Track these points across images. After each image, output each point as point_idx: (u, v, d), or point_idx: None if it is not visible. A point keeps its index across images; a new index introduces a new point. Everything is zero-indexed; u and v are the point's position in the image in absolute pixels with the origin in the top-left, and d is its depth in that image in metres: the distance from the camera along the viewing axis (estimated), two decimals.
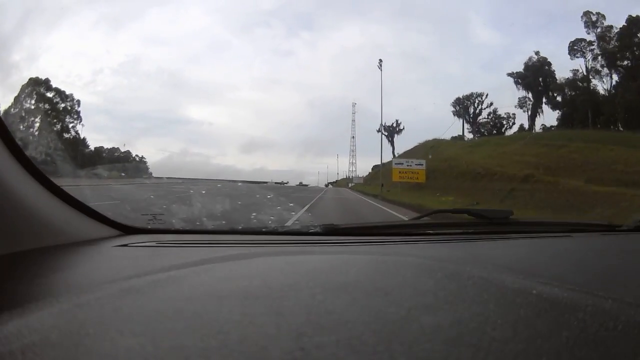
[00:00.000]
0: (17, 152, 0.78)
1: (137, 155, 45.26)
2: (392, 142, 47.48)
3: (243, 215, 2.14)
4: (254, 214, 2.10)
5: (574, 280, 0.71)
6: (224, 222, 1.57)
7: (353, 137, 68.53)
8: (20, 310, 0.39)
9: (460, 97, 40.24)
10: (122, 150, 43.82)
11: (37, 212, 0.80)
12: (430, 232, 1.21)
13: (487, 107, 39.24)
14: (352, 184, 50.08)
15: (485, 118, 39.40)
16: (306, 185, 58.53)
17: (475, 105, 39.79)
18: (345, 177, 69.93)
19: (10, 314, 0.38)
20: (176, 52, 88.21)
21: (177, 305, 0.39)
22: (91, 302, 0.41)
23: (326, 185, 67.50)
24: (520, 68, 35.85)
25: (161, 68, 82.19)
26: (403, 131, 47.25)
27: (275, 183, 43.93)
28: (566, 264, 0.92)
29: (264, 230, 1.23)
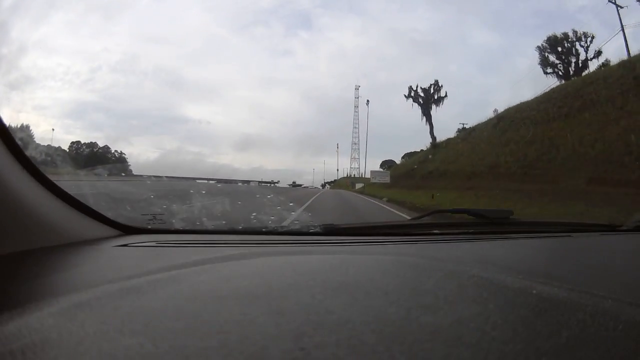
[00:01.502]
0: (17, 152, 0.78)
1: (116, 151, 42.09)
2: (428, 116, 29.29)
3: None
4: None
5: (574, 280, 0.71)
6: (224, 222, 1.57)
7: (355, 127, 57.30)
8: (20, 310, 0.39)
9: (557, 35, 23.01)
10: (101, 145, 40.52)
11: (37, 212, 0.80)
12: (430, 232, 1.22)
13: (593, 57, 22.49)
14: (362, 186, 32.80)
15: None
16: (300, 185, 53.07)
17: (576, 50, 22.36)
18: (347, 175, 55.49)
19: (10, 314, 0.38)
20: (174, 51, 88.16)
21: (177, 305, 0.40)
22: (91, 302, 0.41)
23: (322, 186, 56.61)
24: None
25: (159, 66, 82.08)
26: (445, 100, 29.33)
27: (260, 183, 33.08)
28: (566, 264, 0.92)
29: (263, 230, 1.23)
